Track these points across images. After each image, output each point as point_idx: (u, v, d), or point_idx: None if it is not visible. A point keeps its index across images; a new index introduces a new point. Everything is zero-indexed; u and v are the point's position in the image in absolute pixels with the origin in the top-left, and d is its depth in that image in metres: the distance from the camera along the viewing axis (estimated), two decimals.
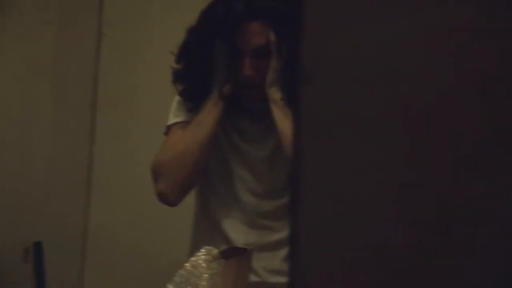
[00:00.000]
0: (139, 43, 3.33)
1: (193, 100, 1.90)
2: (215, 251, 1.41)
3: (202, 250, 1.40)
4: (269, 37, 1.80)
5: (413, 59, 0.76)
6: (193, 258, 1.40)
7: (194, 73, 1.87)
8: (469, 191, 0.70)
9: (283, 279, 1.85)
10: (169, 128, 1.94)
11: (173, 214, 3.15)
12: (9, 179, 2.96)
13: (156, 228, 3.22)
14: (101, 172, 3.29)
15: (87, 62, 3.32)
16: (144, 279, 3.18)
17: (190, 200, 2.09)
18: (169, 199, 1.88)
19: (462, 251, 0.71)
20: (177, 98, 1.95)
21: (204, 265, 1.39)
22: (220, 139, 1.93)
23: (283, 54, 1.80)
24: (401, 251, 0.68)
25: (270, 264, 1.89)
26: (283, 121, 1.79)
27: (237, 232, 1.92)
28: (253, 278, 1.82)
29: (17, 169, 3.00)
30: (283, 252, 1.91)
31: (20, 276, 2.98)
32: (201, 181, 1.93)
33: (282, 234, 1.91)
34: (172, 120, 1.94)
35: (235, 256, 1.40)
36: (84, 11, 3.33)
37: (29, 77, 3.08)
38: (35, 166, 3.07)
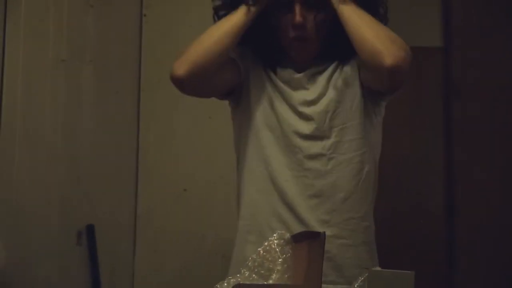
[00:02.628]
0: (179, 23, 3.33)
1: None
2: (287, 235, 1.41)
3: (275, 235, 1.40)
4: None
5: None
6: (265, 243, 1.40)
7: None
8: None
9: (330, 231, 1.85)
10: None
11: (219, 194, 3.18)
12: (59, 165, 2.98)
13: (202, 208, 3.24)
14: (148, 153, 3.31)
15: (130, 44, 3.33)
16: (193, 259, 3.21)
17: (233, 180, 2.09)
18: (176, 73, 1.87)
19: None
20: None
21: (277, 249, 1.39)
22: (264, 83, 1.99)
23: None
24: None
25: (317, 214, 1.90)
26: (354, 21, 1.84)
27: (285, 175, 1.93)
28: (303, 228, 1.85)
29: (65, 153, 3.02)
30: (331, 201, 1.92)
31: (74, 258, 3.02)
32: (214, 69, 1.91)
33: (330, 179, 1.92)
34: None
35: (308, 240, 1.40)
36: None
37: (73, 60, 3.09)
38: (83, 151, 3.09)
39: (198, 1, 3.28)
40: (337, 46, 1.96)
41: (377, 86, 1.93)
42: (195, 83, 1.90)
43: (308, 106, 1.95)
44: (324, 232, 1.39)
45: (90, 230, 3.03)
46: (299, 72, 1.98)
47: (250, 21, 1.91)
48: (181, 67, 1.86)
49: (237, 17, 1.91)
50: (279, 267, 1.37)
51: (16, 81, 2.85)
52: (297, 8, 1.89)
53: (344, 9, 1.86)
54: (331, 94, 1.95)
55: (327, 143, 1.93)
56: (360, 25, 1.84)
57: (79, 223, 3.03)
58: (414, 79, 3.11)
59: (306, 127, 1.94)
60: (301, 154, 1.93)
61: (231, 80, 2.01)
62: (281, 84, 1.98)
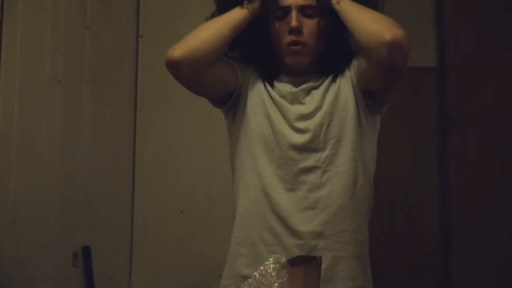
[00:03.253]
0: (176, 44, 3.33)
1: None
2: (283, 259, 1.40)
3: (271, 259, 1.40)
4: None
5: None
6: (261, 267, 1.40)
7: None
8: None
9: (323, 243, 1.89)
10: None
11: (215, 212, 3.18)
12: (55, 184, 2.97)
13: (200, 227, 3.24)
14: (144, 173, 3.31)
15: (126, 64, 3.34)
16: (190, 278, 3.21)
17: (230, 201, 2.09)
18: (172, 55, 1.91)
19: None
20: None
21: (273, 273, 1.39)
22: (262, 96, 2.03)
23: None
24: None
25: (310, 226, 1.92)
26: (353, 12, 1.91)
27: (279, 188, 1.96)
28: (296, 241, 1.88)
29: (62, 173, 3.01)
30: (325, 213, 1.93)
31: (70, 280, 3.00)
32: (210, 59, 1.95)
33: (324, 192, 1.94)
34: None
35: (303, 264, 1.40)
36: (121, 14, 3.34)
37: (69, 81, 3.09)
38: (79, 170, 3.09)
39: (194, 22, 3.29)
40: (333, 58, 2.02)
41: (376, 80, 1.95)
42: (191, 69, 1.92)
43: (304, 120, 1.99)
44: (320, 257, 1.39)
45: (86, 252, 3.02)
46: (296, 87, 2.02)
47: (249, 16, 1.98)
48: (177, 50, 1.91)
49: (237, 11, 1.99)
50: None
51: (12, 102, 2.84)
52: (293, 14, 1.96)
53: (343, 4, 1.93)
54: (326, 107, 1.99)
55: (322, 155, 1.96)
56: (359, 12, 1.91)
57: (75, 244, 3.02)
58: (410, 97, 3.12)
59: (301, 140, 1.97)
60: (295, 167, 1.96)
61: (227, 83, 2.05)
62: (278, 98, 2.02)
